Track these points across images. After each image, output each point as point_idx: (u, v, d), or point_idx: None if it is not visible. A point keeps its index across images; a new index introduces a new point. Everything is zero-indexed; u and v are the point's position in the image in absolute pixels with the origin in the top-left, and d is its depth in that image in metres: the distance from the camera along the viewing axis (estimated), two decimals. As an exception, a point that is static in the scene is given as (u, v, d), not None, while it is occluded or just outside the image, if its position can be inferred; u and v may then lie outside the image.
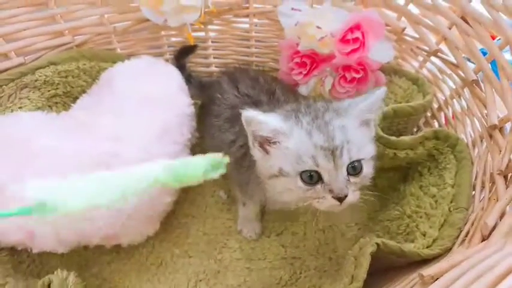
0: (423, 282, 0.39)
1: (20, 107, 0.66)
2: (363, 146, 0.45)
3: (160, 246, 0.63)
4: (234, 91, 0.63)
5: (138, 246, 0.62)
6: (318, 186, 0.44)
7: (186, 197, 0.69)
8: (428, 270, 0.40)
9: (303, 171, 0.44)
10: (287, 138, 0.44)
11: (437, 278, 0.38)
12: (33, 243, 0.53)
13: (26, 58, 0.69)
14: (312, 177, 0.44)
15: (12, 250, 0.58)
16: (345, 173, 0.44)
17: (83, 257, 0.62)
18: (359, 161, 0.45)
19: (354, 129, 0.45)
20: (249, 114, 0.44)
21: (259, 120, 0.44)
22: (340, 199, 0.44)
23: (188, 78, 0.74)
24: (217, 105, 0.63)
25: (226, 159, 0.37)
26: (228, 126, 0.61)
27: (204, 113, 0.69)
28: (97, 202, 0.34)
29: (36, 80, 0.68)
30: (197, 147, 0.68)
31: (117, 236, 0.56)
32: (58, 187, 0.35)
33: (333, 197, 0.44)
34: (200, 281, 0.59)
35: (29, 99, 0.67)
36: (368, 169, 0.47)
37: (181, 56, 0.77)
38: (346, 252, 0.56)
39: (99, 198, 0.34)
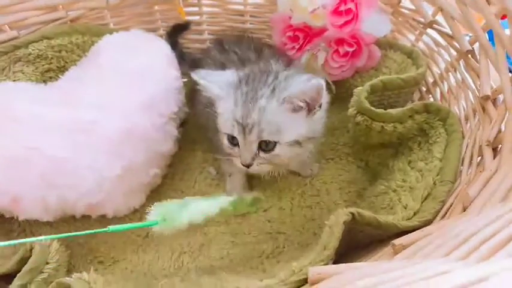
0: (394, 251, 0.38)
1: (14, 80, 0.67)
2: (281, 130, 0.49)
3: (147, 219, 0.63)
4: (219, 47, 0.64)
5: (125, 218, 0.62)
6: (236, 149, 0.52)
7: (175, 172, 0.69)
8: (400, 240, 0.38)
9: (226, 133, 0.51)
10: (221, 102, 0.51)
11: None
12: (19, 210, 0.54)
13: (19, 32, 0.70)
14: (233, 139, 0.51)
15: (1, 218, 0.59)
16: (255, 147, 0.50)
17: (72, 227, 0.62)
18: (271, 142, 0.49)
19: (277, 112, 0.48)
20: (195, 76, 0.50)
21: (202, 85, 0.51)
22: (246, 166, 0.51)
23: (181, 55, 0.74)
24: (204, 67, 0.63)
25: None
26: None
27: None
28: (193, 219, 0.48)
29: (29, 54, 0.69)
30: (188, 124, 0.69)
31: (101, 206, 0.56)
32: (171, 208, 0.48)
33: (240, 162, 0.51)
34: (184, 253, 0.59)
35: (23, 73, 0.68)
36: (283, 151, 0.50)
37: (174, 34, 0.76)
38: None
39: (194, 217, 0.48)
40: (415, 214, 0.47)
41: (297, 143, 0.51)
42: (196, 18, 0.79)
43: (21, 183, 0.51)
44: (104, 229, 0.45)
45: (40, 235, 0.61)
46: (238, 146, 0.51)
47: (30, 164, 0.49)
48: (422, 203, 0.48)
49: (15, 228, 0.62)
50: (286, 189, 0.65)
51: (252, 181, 0.66)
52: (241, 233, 0.61)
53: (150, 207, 0.49)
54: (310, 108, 0.50)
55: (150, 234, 0.62)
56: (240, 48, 0.63)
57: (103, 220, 0.62)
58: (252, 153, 0.50)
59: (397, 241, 0.38)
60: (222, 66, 0.62)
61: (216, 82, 0.51)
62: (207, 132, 0.64)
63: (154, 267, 0.58)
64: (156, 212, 0.48)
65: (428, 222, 0.45)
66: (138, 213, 0.63)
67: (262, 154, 0.50)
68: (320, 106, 0.50)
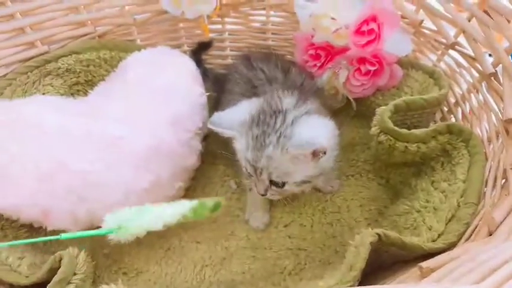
0: (422, 274, 0.38)
1: (43, 93, 0.69)
2: (288, 173, 0.52)
3: (169, 231, 0.63)
4: (247, 63, 0.66)
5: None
6: (252, 179, 0.55)
7: (197, 185, 0.70)
8: (427, 263, 0.39)
9: (243, 166, 0.55)
10: (236, 141, 0.55)
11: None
12: (48, 221, 0.55)
13: (50, 47, 0.73)
14: (248, 172, 0.54)
15: (30, 227, 0.61)
16: (267, 183, 0.53)
17: (96, 238, 0.63)
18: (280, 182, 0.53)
19: (282, 160, 0.51)
20: (210, 125, 0.54)
21: (217, 131, 0.54)
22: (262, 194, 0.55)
23: (204, 72, 0.76)
24: (231, 81, 0.66)
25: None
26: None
27: (218, 100, 0.71)
28: (151, 227, 0.47)
29: (59, 68, 0.71)
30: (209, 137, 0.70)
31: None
32: (128, 215, 0.47)
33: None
34: (206, 266, 0.60)
35: (52, 86, 0.71)
36: (292, 188, 0.54)
37: (198, 51, 0.78)
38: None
39: (153, 224, 0.47)
40: (439, 236, 0.47)
41: (306, 181, 0.54)
42: (219, 36, 0.81)
43: (50, 196, 0.52)
44: (56, 236, 0.45)
45: (65, 245, 0.63)
46: None
47: (59, 177, 0.51)
48: (446, 224, 0.48)
49: (41, 236, 0.63)
50: (307, 205, 0.66)
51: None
52: (262, 247, 0.62)
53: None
54: (315, 155, 0.51)
55: (172, 246, 0.63)
56: (268, 66, 0.65)
57: (127, 231, 0.63)
58: (265, 186, 0.54)
59: (425, 264, 0.38)
60: (249, 83, 0.64)
61: (228, 125, 0.54)
62: (227, 147, 0.66)
63: (176, 280, 0.59)
64: (111, 221, 0.46)
65: (453, 245, 0.45)
66: (160, 225, 0.64)
67: (274, 188, 0.54)
68: (325, 153, 0.51)
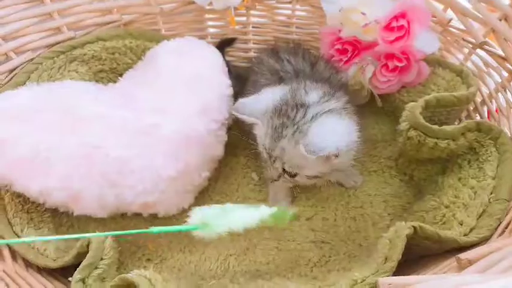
0: (460, 265, 0.39)
1: (69, 79, 0.69)
2: (300, 167, 0.53)
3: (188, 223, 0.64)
4: (275, 56, 0.66)
5: (172, 218, 0.64)
6: (268, 162, 0.55)
7: (219, 176, 0.70)
8: (465, 254, 0.39)
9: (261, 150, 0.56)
10: (257, 127, 0.56)
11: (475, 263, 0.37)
12: (76, 205, 0.56)
13: (76, 33, 0.73)
14: (265, 157, 0.55)
15: (54, 212, 0.61)
16: (280, 169, 0.54)
17: (120, 225, 0.64)
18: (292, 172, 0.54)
19: (295, 154, 0.51)
20: (233, 111, 0.55)
21: (241, 118, 0.55)
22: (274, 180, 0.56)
23: (227, 67, 0.75)
24: (257, 73, 0.66)
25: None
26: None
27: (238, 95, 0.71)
28: (233, 227, 0.47)
29: (85, 54, 0.71)
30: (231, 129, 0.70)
31: (154, 205, 0.58)
32: (212, 213, 0.48)
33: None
34: (230, 255, 0.60)
35: (77, 72, 0.71)
36: (303, 180, 0.55)
37: (221, 47, 0.78)
38: (377, 240, 0.56)
39: (234, 225, 0.47)
40: (471, 230, 0.47)
41: (317, 177, 0.55)
42: (243, 28, 0.81)
43: (82, 180, 0.53)
44: (147, 230, 0.46)
45: (87, 231, 0.64)
46: None
47: (93, 162, 0.51)
48: (477, 219, 0.48)
49: (64, 222, 0.63)
50: (330, 199, 0.66)
51: (294, 189, 0.68)
52: (285, 239, 0.62)
53: (191, 210, 0.49)
54: (326, 158, 0.51)
55: (196, 235, 0.63)
56: (295, 58, 0.65)
57: (151, 218, 0.64)
58: (278, 173, 0.55)
59: (463, 255, 0.39)
60: (276, 74, 0.64)
61: (251, 113, 0.55)
62: (249, 137, 0.66)
63: (201, 268, 0.59)
64: (197, 217, 0.48)
65: (485, 239, 0.46)
66: (185, 213, 0.64)
67: (286, 176, 0.55)
68: (337, 156, 0.50)
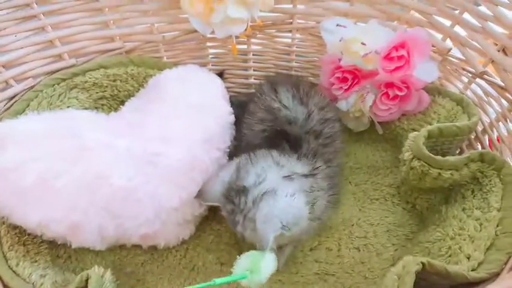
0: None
1: (68, 106, 0.69)
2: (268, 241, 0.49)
3: (194, 251, 0.63)
4: (272, 94, 0.65)
5: (172, 250, 0.62)
6: None
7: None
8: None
9: None
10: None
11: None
12: (75, 238, 0.54)
13: (77, 60, 0.73)
14: None
15: (51, 244, 0.59)
16: None
17: (118, 257, 0.62)
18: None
19: (252, 237, 0.52)
20: (202, 202, 0.57)
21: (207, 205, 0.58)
22: None
23: None
24: (254, 102, 0.66)
25: None
26: (260, 128, 0.63)
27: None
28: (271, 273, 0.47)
29: (86, 82, 0.71)
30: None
31: (155, 236, 0.57)
32: (256, 260, 0.47)
33: None
34: (233, 288, 0.59)
35: (77, 100, 0.71)
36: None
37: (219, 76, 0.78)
38: (383, 272, 0.54)
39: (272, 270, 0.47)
40: (479, 265, 0.46)
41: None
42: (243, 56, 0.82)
43: (83, 211, 0.51)
44: (210, 283, 0.45)
45: (85, 263, 0.62)
46: None
47: (97, 192, 0.50)
48: (485, 253, 0.48)
49: (61, 254, 0.62)
50: (333, 228, 0.65)
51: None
52: (288, 272, 0.61)
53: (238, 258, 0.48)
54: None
55: (196, 267, 0.62)
56: (293, 101, 0.64)
57: (150, 250, 0.62)
58: None
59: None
60: (272, 114, 0.63)
61: (212, 199, 0.56)
62: None
63: (202, 302, 0.57)
64: (243, 265, 0.47)
65: (495, 274, 0.45)
66: (185, 244, 0.63)
67: None
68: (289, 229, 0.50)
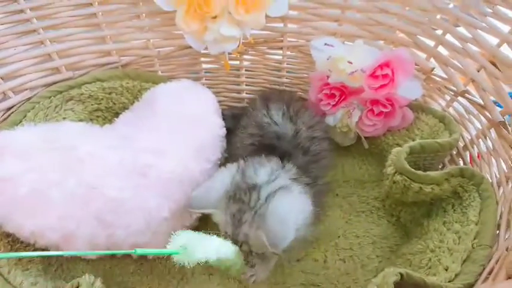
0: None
1: (64, 118, 0.71)
2: (266, 247, 0.50)
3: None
4: (264, 109, 0.68)
5: (162, 259, 0.64)
6: None
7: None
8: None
9: None
10: (217, 215, 0.56)
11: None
12: (67, 246, 0.55)
13: (74, 73, 0.75)
14: None
15: (44, 251, 0.61)
16: (247, 252, 0.54)
17: (109, 266, 0.64)
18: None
19: (257, 239, 0.51)
20: (191, 209, 0.56)
21: (199, 212, 0.58)
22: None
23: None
24: (247, 116, 0.69)
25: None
26: (249, 142, 0.66)
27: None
28: (208, 256, 0.47)
29: (81, 94, 0.73)
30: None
31: (145, 246, 0.57)
32: (193, 239, 0.48)
33: None
34: (220, 298, 0.60)
35: (72, 111, 0.73)
36: (274, 255, 0.55)
37: None
38: (366, 283, 0.56)
39: (209, 254, 0.47)
40: (456, 276, 0.48)
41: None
42: (236, 71, 0.84)
43: (76, 221, 0.53)
44: (131, 251, 0.46)
45: (76, 271, 0.63)
46: None
47: (89, 203, 0.51)
48: (462, 265, 0.50)
49: (53, 262, 0.63)
50: (320, 239, 0.67)
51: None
52: (275, 282, 0.62)
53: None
54: None
55: (185, 277, 0.63)
56: (283, 118, 0.66)
57: (140, 260, 0.63)
58: (247, 257, 0.55)
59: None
60: (262, 129, 0.66)
61: (207, 204, 0.55)
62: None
63: (190, 311, 0.59)
64: (178, 241, 0.47)
65: (470, 286, 0.47)
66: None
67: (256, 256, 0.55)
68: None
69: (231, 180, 0.56)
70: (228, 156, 0.71)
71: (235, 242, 0.53)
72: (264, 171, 0.56)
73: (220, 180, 0.57)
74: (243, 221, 0.52)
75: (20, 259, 0.59)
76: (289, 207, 0.53)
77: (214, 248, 0.48)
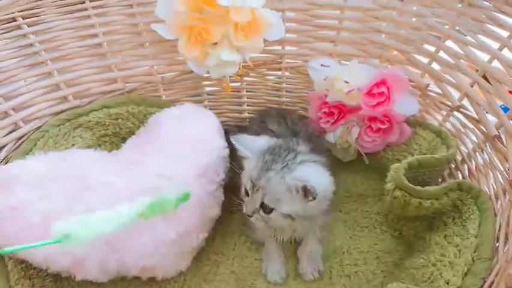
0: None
1: (72, 144, 0.73)
2: (279, 201, 0.57)
3: (191, 282, 0.66)
4: (262, 124, 0.74)
5: (171, 280, 0.65)
6: (246, 199, 0.61)
7: (216, 234, 0.72)
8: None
9: (244, 185, 0.61)
10: (247, 161, 0.62)
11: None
12: (79, 271, 0.57)
13: (81, 101, 0.78)
14: (246, 191, 0.61)
15: (56, 277, 0.63)
16: (257, 204, 0.59)
17: (118, 287, 0.65)
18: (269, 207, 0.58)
19: (279, 187, 0.57)
20: (233, 140, 0.62)
21: (237, 148, 0.62)
22: (247, 215, 0.61)
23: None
24: (248, 133, 0.71)
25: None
26: None
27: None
28: (104, 231, 0.47)
29: (89, 121, 0.76)
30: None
31: (154, 269, 0.60)
32: (77, 222, 0.48)
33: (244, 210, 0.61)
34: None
35: (81, 138, 0.75)
36: (278, 217, 0.58)
37: None
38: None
39: (105, 228, 0.48)
40: (457, 290, 0.50)
41: (290, 217, 0.58)
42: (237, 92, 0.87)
43: (86, 246, 0.55)
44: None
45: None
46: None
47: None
48: (463, 278, 0.51)
49: (66, 286, 0.65)
50: (325, 256, 0.68)
51: (287, 248, 0.70)
52: (282, 299, 0.64)
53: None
54: (306, 195, 0.56)
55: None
56: (279, 126, 0.73)
57: (150, 282, 0.65)
58: (254, 207, 0.59)
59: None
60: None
61: (248, 147, 0.62)
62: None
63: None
64: (58, 231, 0.47)
65: (471, 299, 0.48)
66: (182, 275, 0.66)
67: (261, 212, 0.59)
68: (314, 198, 0.56)
69: (276, 142, 0.62)
70: (232, 176, 0.73)
71: (253, 186, 0.58)
72: (305, 145, 0.64)
73: (267, 139, 0.64)
74: (271, 168, 0.57)
75: (33, 284, 0.61)
76: (316, 172, 0.59)
77: (108, 219, 0.49)
